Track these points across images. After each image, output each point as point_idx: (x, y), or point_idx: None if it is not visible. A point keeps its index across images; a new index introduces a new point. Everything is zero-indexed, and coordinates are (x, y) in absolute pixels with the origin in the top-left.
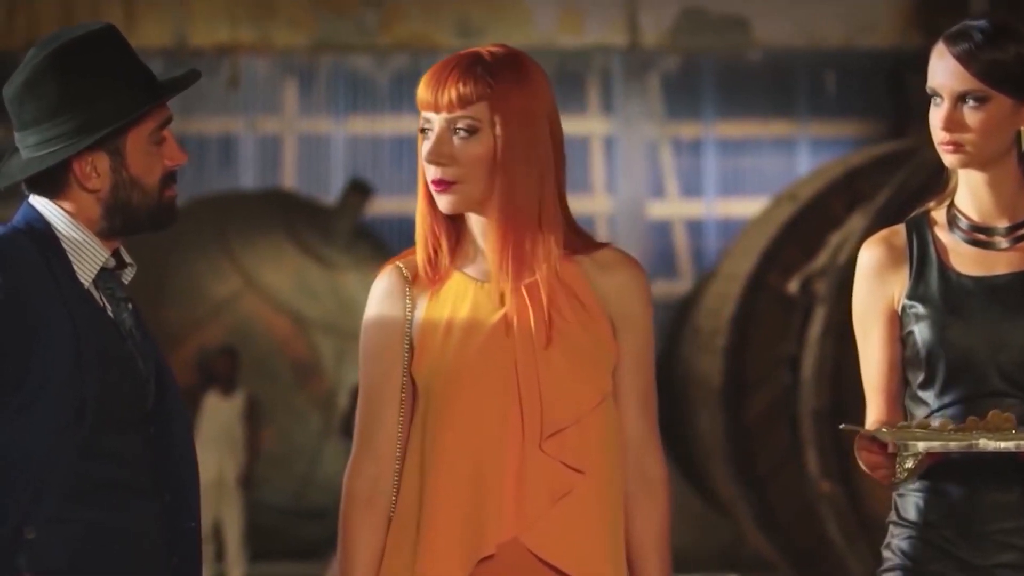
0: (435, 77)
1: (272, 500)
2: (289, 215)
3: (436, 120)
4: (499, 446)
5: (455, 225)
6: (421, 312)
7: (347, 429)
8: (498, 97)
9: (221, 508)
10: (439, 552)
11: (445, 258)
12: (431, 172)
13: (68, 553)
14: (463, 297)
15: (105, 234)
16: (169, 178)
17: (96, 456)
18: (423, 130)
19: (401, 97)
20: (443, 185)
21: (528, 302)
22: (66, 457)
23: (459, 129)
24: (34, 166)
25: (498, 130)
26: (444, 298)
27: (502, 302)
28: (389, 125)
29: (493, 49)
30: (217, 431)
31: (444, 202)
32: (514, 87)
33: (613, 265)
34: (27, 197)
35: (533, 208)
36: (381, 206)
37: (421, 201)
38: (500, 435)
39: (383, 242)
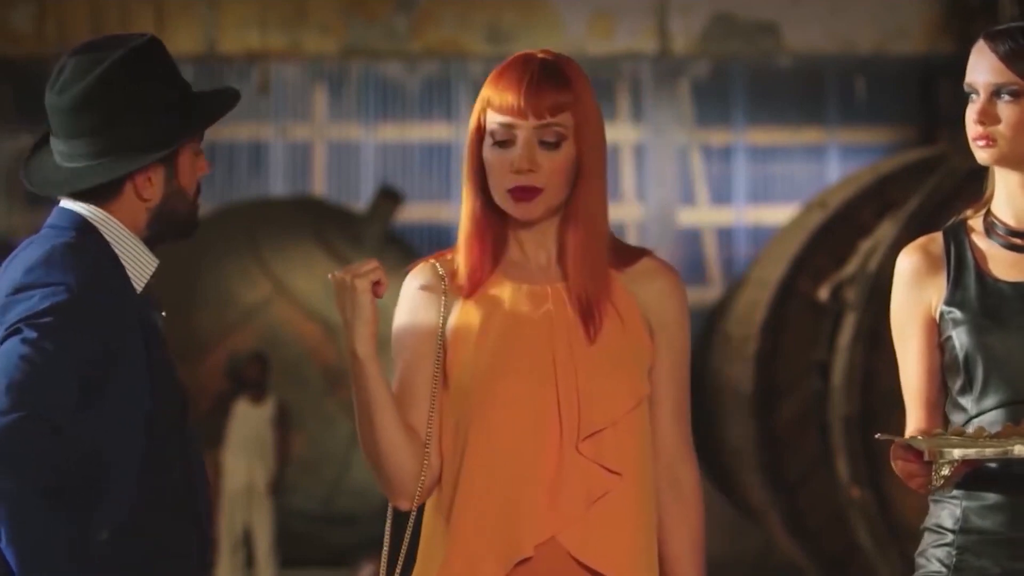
0: (519, 82)
1: (302, 506)
2: (319, 222)
3: (523, 127)
4: (536, 447)
5: (500, 229)
6: (457, 311)
7: None
8: (579, 105)
9: (251, 514)
10: (472, 553)
11: (489, 261)
12: (514, 179)
13: (137, 560)
14: (502, 299)
15: (147, 242)
16: (198, 187)
17: (156, 463)
18: (499, 135)
19: (431, 103)
20: (530, 193)
21: (570, 305)
22: (135, 464)
23: (547, 138)
24: (99, 175)
25: (580, 139)
26: (483, 299)
27: (543, 304)
28: (419, 132)
29: (553, 54)
30: (247, 437)
31: (524, 210)
32: (588, 94)
33: (651, 273)
34: (57, 202)
35: (603, 217)
36: (411, 213)
37: (471, 204)
38: (537, 435)
39: (413, 249)
